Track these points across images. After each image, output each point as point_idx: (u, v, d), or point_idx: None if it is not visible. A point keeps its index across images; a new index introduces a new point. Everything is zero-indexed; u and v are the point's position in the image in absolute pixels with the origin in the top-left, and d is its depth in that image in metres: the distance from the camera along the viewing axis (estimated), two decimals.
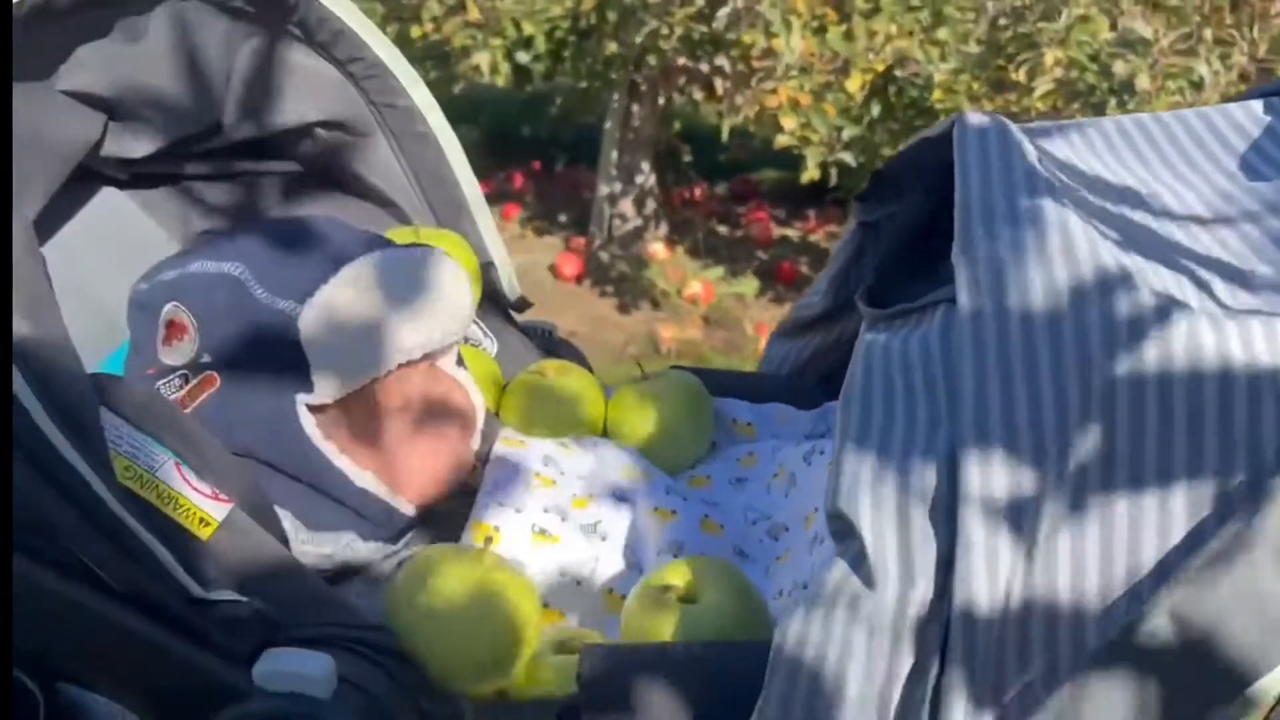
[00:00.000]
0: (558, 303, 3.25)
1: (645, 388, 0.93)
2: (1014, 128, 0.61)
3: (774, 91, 2.34)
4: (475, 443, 0.79)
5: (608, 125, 3.49)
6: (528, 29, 3.11)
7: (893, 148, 2.70)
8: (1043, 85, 2.38)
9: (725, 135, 2.99)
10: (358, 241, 0.75)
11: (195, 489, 0.60)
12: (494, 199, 4.07)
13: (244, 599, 0.57)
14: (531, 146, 4.51)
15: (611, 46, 3.07)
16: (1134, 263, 0.51)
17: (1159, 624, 0.42)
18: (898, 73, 2.58)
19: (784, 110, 2.33)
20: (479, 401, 0.80)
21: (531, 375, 0.94)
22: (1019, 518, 0.46)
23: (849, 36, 2.44)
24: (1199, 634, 0.42)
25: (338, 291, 0.68)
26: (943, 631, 0.47)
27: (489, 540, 0.71)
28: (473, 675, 0.62)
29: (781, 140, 2.39)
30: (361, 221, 0.87)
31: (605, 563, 0.73)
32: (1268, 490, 0.43)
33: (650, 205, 3.59)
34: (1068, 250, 0.50)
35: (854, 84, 2.39)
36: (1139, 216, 0.58)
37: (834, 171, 2.47)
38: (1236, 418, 0.45)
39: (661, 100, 3.43)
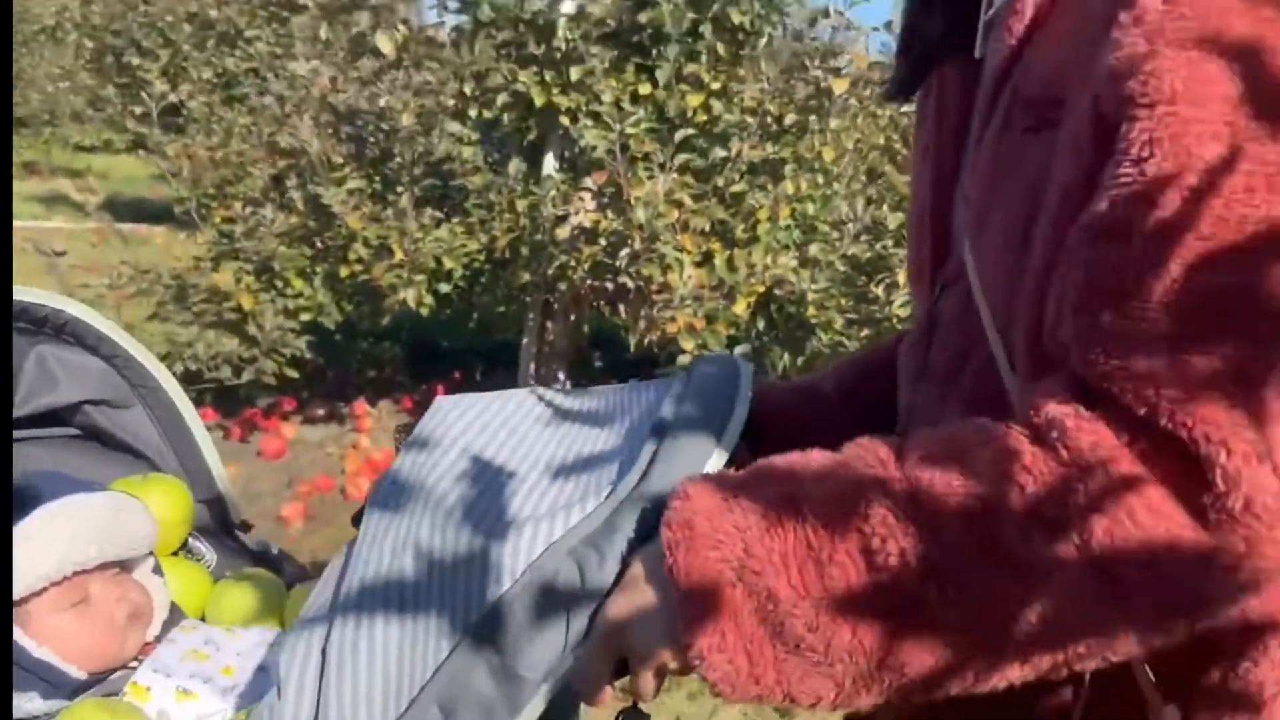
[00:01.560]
0: None
1: (303, 588, 1.16)
2: None
3: (672, 319, 2.70)
4: (153, 629, 1.03)
5: (525, 340, 3.80)
6: (448, 264, 3.44)
7: (780, 359, 3.07)
8: (900, 298, 2.80)
9: (633, 347, 3.33)
10: (66, 487, 1.01)
11: None
12: (419, 411, 4.29)
13: None
14: (452, 358, 4.80)
15: (525, 275, 3.42)
16: None
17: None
18: (777, 292, 2.98)
19: (682, 334, 2.68)
20: (161, 600, 1.05)
21: (228, 580, 1.17)
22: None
23: (732, 266, 2.84)
24: None
25: (30, 523, 0.94)
26: None
27: (140, 695, 0.95)
28: None
29: (682, 360, 2.73)
30: (122, 470, 1.18)
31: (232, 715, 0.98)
32: None
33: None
34: None
35: (740, 307, 2.77)
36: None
37: None
38: None
39: (572, 317, 3.76)
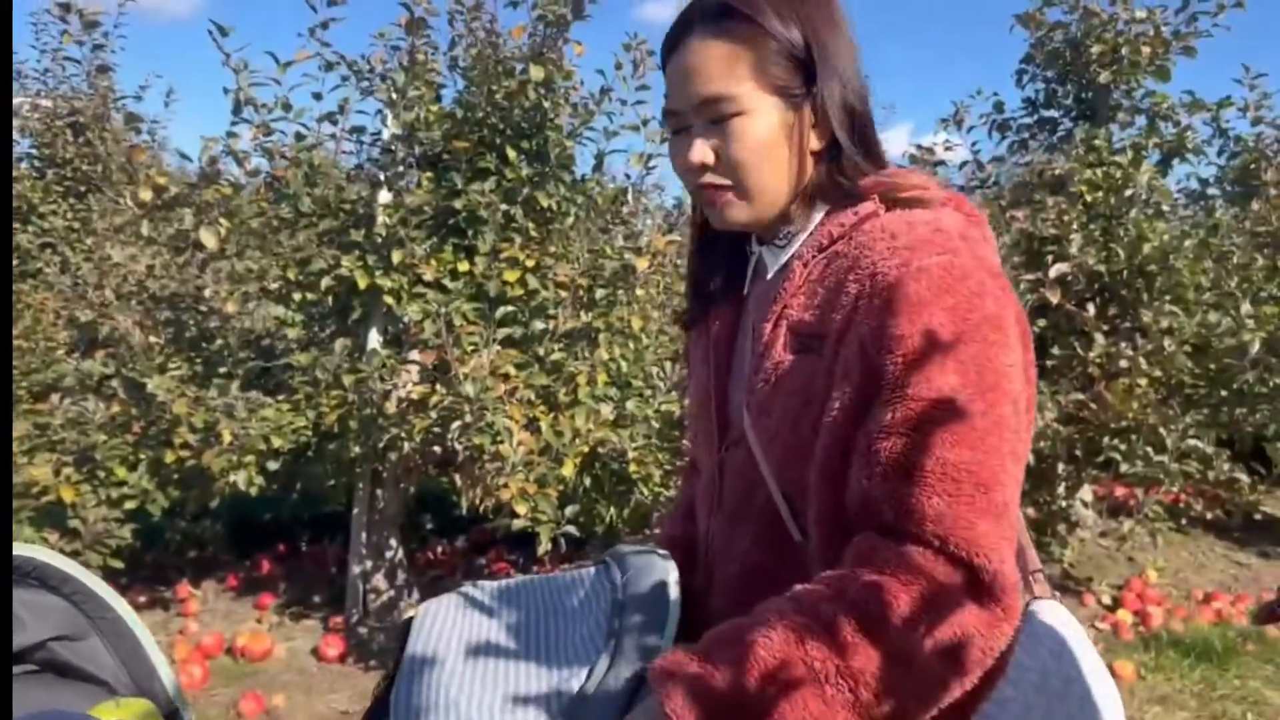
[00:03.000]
0: (325, 684, 3.45)
1: None
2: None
3: (505, 485, 2.88)
4: None
5: (355, 511, 3.85)
6: (276, 442, 3.48)
7: (607, 512, 3.29)
8: None
9: (465, 508, 3.46)
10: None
11: None
12: (246, 588, 4.23)
13: None
14: (276, 531, 4.74)
15: (355, 448, 3.51)
16: None
17: None
18: (600, 450, 3.22)
19: (516, 499, 2.86)
20: None
21: None
22: None
23: (557, 430, 3.07)
24: None
25: None
26: None
27: None
28: None
29: (517, 524, 2.90)
30: (81, 697, 1.26)
31: None
32: None
33: (400, 576, 3.92)
34: None
35: (568, 469, 2.99)
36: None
37: (563, 541, 2.99)
38: None
39: (402, 484, 3.85)
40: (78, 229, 6.89)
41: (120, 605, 1.32)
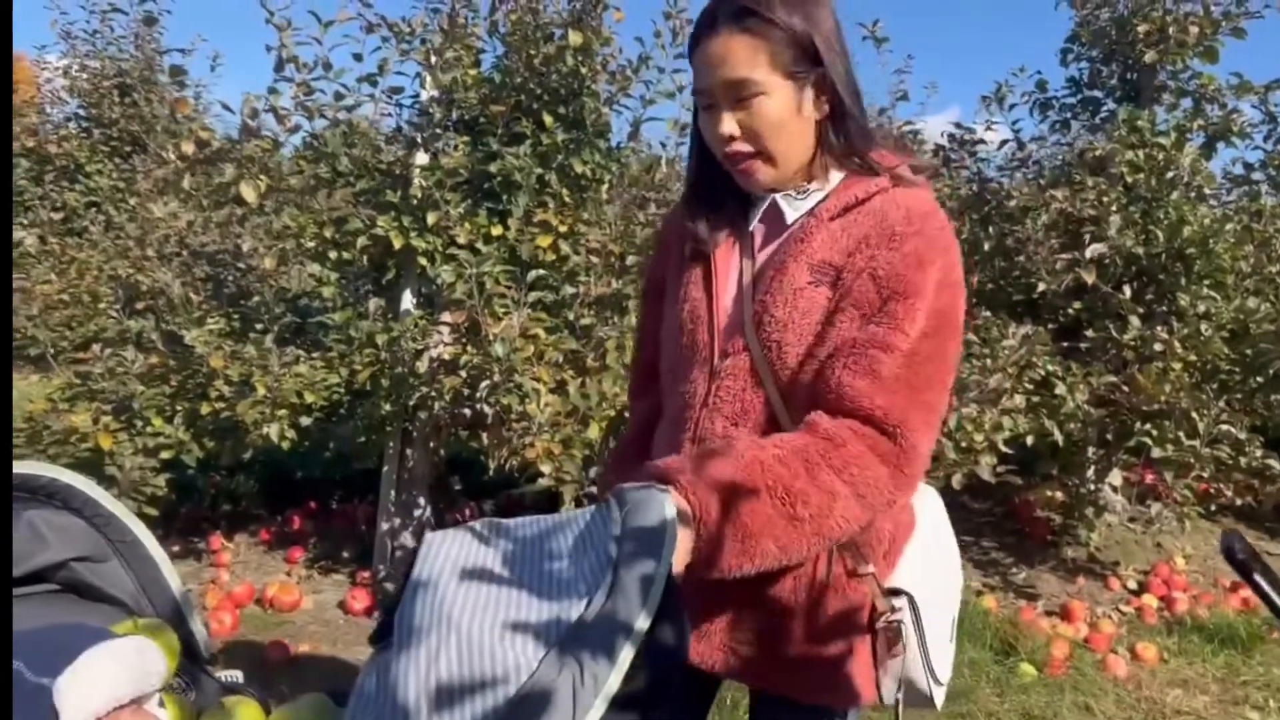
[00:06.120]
0: (351, 636, 3.52)
1: (288, 708, 1.33)
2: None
3: (531, 445, 2.92)
4: None
5: (385, 469, 3.91)
6: (309, 398, 3.55)
7: None
8: None
9: (492, 469, 3.51)
10: (91, 635, 1.17)
11: None
12: (277, 543, 4.33)
13: None
14: (307, 488, 4.83)
15: (386, 406, 3.57)
16: None
17: None
18: (626, 415, 3.24)
19: (541, 459, 2.89)
20: None
21: (215, 710, 1.32)
22: None
23: (584, 393, 3.10)
24: None
25: (76, 670, 1.09)
26: None
27: None
28: None
29: (541, 483, 2.94)
30: (100, 617, 1.30)
31: None
32: None
33: (428, 534, 3.97)
34: None
35: (594, 431, 3.02)
36: None
37: (585, 501, 3.02)
38: None
39: (432, 444, 3.91)
40: (122, 189, 7.02)
41: (140, 530, 1.36)
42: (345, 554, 4.20)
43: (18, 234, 5.66)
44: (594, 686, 0.88)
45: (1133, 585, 4.33)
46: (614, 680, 0.89)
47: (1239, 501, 4.27)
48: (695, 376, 1.35)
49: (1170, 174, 4.30)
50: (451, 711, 0.88)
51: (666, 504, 1.03)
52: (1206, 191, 4.47)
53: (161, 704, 1.21)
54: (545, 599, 0.98)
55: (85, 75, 7.55)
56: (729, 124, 1.26)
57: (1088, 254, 4.16)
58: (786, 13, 1.23)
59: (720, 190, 1.39)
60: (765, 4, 1.23)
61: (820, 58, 1.25)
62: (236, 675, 1.41)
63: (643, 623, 0.92)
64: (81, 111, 7.77)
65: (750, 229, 1.37)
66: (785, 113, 1.25)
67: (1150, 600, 4.11)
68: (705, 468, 1.11)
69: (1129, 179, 4.35)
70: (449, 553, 1.07)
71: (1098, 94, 4.99)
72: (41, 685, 1.07)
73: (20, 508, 1.25)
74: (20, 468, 1.25)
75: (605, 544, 1.01)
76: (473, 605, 0.98)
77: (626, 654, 0.90)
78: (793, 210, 1.34)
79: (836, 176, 1.33)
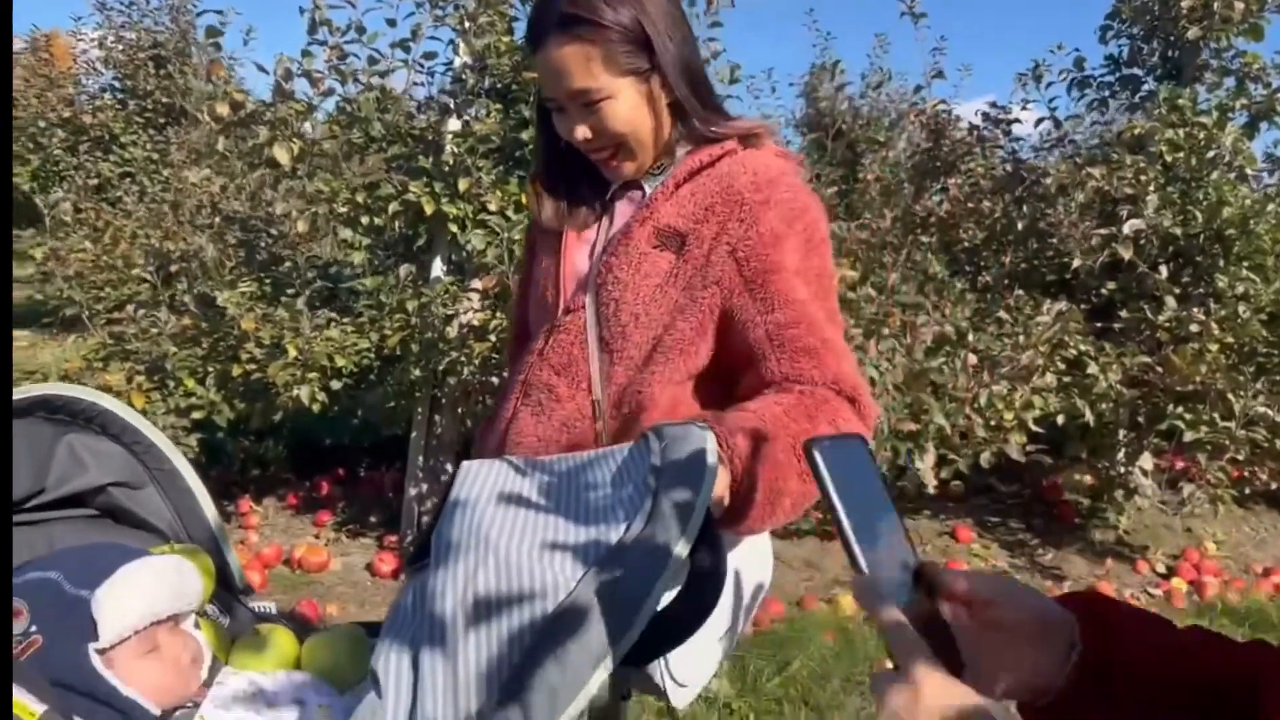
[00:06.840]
0: (379, 598, 3.55)
1: (322, 635, 1.35)
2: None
3: None
4: (203, 674, 1.19)
5: (414, 434, 3.93)
6: (339, 362, 3.58)
7: None
8: None
9: None
10: (130, 554, 1.18)
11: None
12: (306, 507, 4.37)
13: None
14: (335, 455, 4.86)
15: (415, 371, 3.59)
16: None
17: None
18: None
19: None
20: (207, 650, 1.22)
21: (249, 636, 1.34)
22: None
23: None
24: None
25: (115, 583, 1.10)
26: None
27: None
28: None
29: None
30: (135, 542, 1.31)
31: None
32: None
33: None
34: None
35: None
36: None
37: None
38: None
39: (460, 410, 3.92)
40: (156, 160, 7.08)
41: (178, 459, 1.36)
42: (373, 519, 4.22)
43: (54, 199, 5.73)
44: (632, 606, 0.88)
45: (1161, 569, 4.28)
46: (650, 602, 0.89)
47: (1274, 485, 4.21)
48: (539, 333, 1.40)
49: (1211, 154, 4.23)
50: (489, 626, 0.88)
51: (708, 438, 1.03)
52: (1248, 172, 4.39)
53: (197, 625, 1.23)
54: (584, 524, 0.98)
55: (120, 46, 7.61)
56: (581, 130, 1.29)
57: (1124, 229, 4.10)
58: (613, 11, 1.23)
59: (575, 169, 1.42)
60: (589, 6, 1.22)
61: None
62: (270, 606, 1.42)
63: (682, 548, 0.92)
64: (116, 83, 7.84)
65: (610, 199, 1.42)
66: (633, 111, 1.28)
67: (1179, 584, 4.07)
68: (725, 416, 1.17)
69: (1168, 158, 4.28)
70: (487, 478, 1.07)
71: (1137, 72, 4.92)
72: (80, 596, 1.08)
73: (60, 431, 1.26)
74: (62, 390, 1.25)
75: (644, 475, 1.01)
76: (510, 527, 0.98)
77: (665, 577, 0.90)
78: (650, 185, 1.38)
79: (684, 149, 1.37)
